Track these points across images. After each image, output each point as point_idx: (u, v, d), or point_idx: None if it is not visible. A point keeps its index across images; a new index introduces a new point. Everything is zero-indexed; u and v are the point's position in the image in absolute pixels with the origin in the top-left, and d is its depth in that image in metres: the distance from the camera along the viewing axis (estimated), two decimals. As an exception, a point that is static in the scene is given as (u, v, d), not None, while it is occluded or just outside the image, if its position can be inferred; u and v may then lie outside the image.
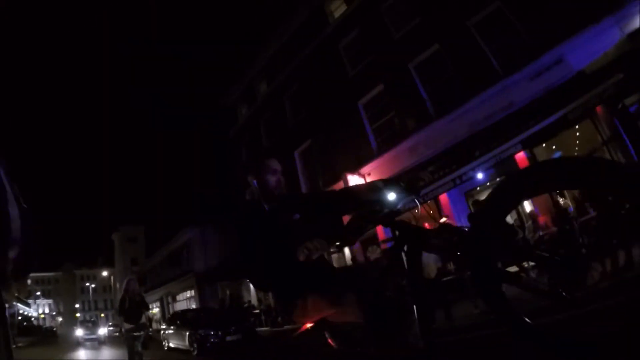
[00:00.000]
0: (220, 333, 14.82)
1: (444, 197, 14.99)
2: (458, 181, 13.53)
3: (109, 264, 78.60)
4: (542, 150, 13.29)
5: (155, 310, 45.53)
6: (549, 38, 13.07)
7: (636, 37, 11.61)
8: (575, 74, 12.31)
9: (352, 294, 2.32)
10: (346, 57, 20.89)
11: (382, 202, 2.48)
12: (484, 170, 13.50)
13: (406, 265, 2.30)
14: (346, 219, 2.65)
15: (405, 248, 2.31)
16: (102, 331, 35.67)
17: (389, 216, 2.43)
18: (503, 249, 2.33)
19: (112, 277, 74.22)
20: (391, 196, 2.47)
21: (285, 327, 18.09)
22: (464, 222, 2.35)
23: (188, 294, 38.43)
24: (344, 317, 2.39)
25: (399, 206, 2.52)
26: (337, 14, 21.99)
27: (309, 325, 2.48)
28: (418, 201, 2.60)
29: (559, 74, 12.76)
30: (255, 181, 2.75)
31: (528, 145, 12.39)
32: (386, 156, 17.08)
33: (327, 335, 2.54)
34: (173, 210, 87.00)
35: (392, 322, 2.29)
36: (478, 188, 15.41)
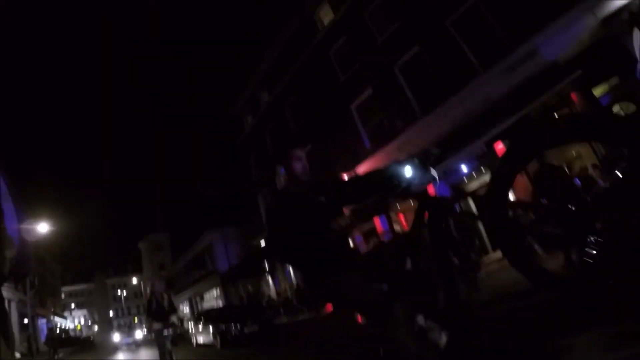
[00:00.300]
0: (239, 326, 16.33)
1: (430, 189, 15.92)
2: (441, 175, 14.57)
3: (138, 271, 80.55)
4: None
5: (186, 310, 47.37)
6: (523, 30, 13.56)
7: (610, 22, 11.73)
8: (545, 67, 12.80)
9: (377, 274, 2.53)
10: (337, 63, 21.98)
11: (400, 179, 2.62)
12: (466, 163, 14.60)
13: (429, 234, 2.54)
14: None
15: (426, 217, 2.57)
16: (138, 334, 37.16)
17: (407, 190, 2.67)
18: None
19: (142, 283, 76.35)
20: (407, 171, 2.62)
21: (301, 317, 19.41)
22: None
23: (214, 292, 40.16)
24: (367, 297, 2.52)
25: (416, 181, 2.67)
26: (325, 21, 22.98)
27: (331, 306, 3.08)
28: (435, 175, 2.74)
29: (533, 66, 13.26)
30: (282, 168, 2.98)
31: (506, 136, 13.23)
32: (378, 155, 18.05)
33: (355, 313, 2.71)
34: (194, 214, 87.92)
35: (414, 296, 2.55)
36: (465, 179, 16.36)
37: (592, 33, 12.06)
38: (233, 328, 16.45)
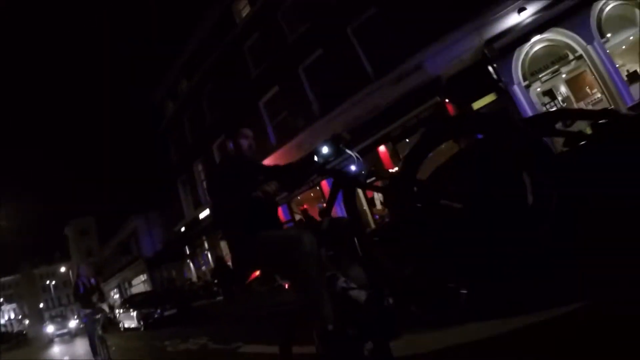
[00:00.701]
0: (159, 310, 18.14)
1: (324, 185, 17.78)
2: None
3: (66, 259, 79.35)
4: (405, 145, 15.39)
5: (116, 296, 48.19)
6: (413, 44, 14.65)
7: (492, 43, 13.01)
8: (428, 81, 14.32)
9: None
10: (250, 58, 23.20)
11: (318, 156, 2.95)
12: (354, 162, 16.66)
13: (344, 204, 2.75)
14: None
15: (340, 190, 2.78)
16: (72, 324, 37.42)
17: (324, 166, 2.99)
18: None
19: (70, 271, 75.57)
20: (324, 149, 2.91)
21: (218, 298, 21.26)
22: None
23: (142, 277, 41.27)
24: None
25: (331, 158, 2.99)
26: (243, 15, 23.89)
27: (257, 273, 2.83)
28: (353, 154, 2.97)
29: (417, 79, 14.70)
30: (232, 143, 3.24)
31: (391, 140, 15.52)
32: (280, 151, 19.61)
33: (278, 279, 2.94)
34: (119, 199, 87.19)
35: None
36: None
37: (475, 52, 13.50)
38: (154, 312, 18.23)
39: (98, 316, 9.42)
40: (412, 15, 14.74)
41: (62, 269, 77.66)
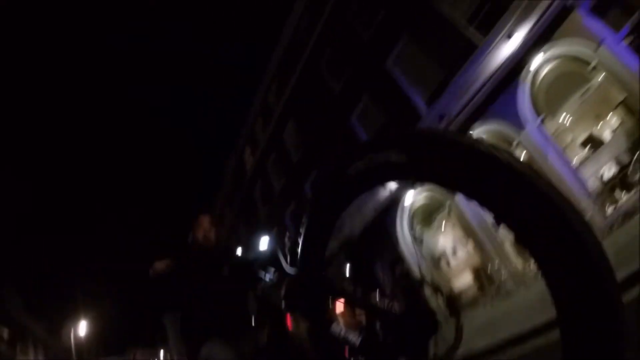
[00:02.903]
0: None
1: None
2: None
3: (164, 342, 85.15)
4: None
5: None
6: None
7: (449, 120, 13.82)
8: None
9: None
10: (289, 144, 27.33)
11: (253, 251, 2.88)
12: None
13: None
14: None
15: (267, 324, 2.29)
16: None
17: (248, 264, 2.41)
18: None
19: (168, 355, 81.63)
20: (263, 244, 3.24)
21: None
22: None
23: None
24: None
25: (267, 262, 2.25)
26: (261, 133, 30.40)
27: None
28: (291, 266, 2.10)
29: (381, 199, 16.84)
30: (191, 237, 3.22)
31: None
32: None
33: None
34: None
35: None
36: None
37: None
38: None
39: None
40: (394, 99, 17.47)
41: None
